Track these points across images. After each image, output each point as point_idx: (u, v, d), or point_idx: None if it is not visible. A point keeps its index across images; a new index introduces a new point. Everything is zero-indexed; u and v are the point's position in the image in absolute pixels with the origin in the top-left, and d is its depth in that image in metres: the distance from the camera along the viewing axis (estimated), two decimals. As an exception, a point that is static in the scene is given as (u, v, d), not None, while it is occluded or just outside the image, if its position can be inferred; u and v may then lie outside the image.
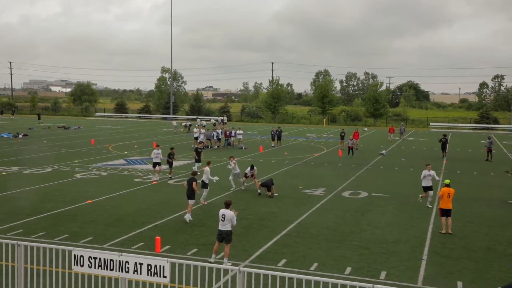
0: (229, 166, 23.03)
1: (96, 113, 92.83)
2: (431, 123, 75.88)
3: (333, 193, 21.99)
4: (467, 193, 22.32)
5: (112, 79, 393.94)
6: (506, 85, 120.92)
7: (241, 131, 43.11)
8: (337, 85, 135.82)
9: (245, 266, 12.35)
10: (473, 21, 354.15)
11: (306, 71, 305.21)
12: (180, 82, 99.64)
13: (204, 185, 19.29)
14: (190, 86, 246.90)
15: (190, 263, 8.61)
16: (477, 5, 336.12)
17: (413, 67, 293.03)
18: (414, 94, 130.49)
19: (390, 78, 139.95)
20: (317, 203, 19.89)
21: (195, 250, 13.75)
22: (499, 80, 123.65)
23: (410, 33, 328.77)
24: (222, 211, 12.66)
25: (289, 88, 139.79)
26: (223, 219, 12.54)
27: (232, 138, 42.18)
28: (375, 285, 7.72)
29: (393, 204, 19.85)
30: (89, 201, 19.62)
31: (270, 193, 21.15)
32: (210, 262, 11.74)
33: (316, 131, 63.15)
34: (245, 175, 22.81)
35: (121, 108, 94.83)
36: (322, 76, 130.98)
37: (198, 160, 27.18)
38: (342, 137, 41.02)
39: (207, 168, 19.74)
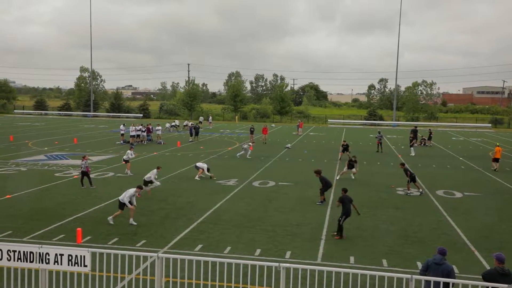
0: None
1: (14, 110, 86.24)
2: (329, 120, 79.11)
3: (244, 183, 22.23)
4: (359, 179, 23.59)
5: (31, 77, 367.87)
6: (390, 88, 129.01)
7: (159, 127, 42.25)
8: (248, 86, 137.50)
9: (164, 253, 12.15)
10: (359, 38, 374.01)
11: (219, 72, 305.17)
12: (99, 81, 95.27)
13: (146, 183, 19.27)
14: (110, 84, 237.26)
15: (111, 252, 8.32)
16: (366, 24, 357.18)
17: (314, 71, 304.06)
18: (315, 94, 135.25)
19: (294, 79, 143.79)
20: (230, 192, 20.01)
21: (115, 239, 13.29)
22: (384, 83, 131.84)
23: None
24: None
25: (204, 87, 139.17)
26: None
27: (152, 134, 41.23)
28: (281, 264, 7.95)
29: (297, 192, 20.48)
30: (8, 196, 18.23)
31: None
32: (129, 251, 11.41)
33: (229, 127, 63.40)
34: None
35: (40, 105, 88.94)
36: (234, 77, 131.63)
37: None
38: (252, 132, 41.58)
39: (154, 171, 19.73)
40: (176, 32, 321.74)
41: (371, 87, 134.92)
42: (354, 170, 24.08)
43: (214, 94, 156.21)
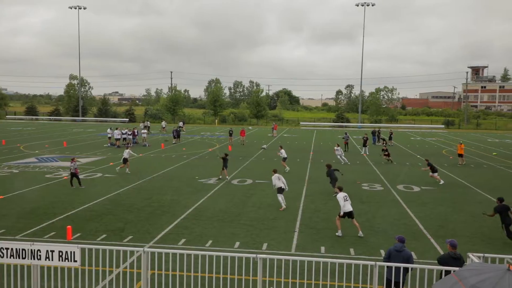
0: (278, 153, 26.62)
1: (6, 116, 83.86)
2: (301, 122, 79.60)
3: (224, 181, 22.13)
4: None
5: (22, 85, 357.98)
6: (355, 93, 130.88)
7: (145, 131, 41.78)
8: (227, 91, 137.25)
9: (149, 247, 12.01)
10: (325, 47, 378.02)
11: (200, 79, 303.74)
12: (87, 88, 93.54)
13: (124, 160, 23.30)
14: (98, 91, 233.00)
15: (99, 248, 8.17)
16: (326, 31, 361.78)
17: (287, 77, 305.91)
18: (288, 99, 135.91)
19: (268, 86, 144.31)
20: (211, 190, 19.90)
21: (104, 236, 13.05)
22: (350, 89, 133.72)
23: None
24: None
25: (186, 93, 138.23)
26: None
27: (137, 137, 40.72)
28: (258, 255, 7.94)
29: (272, 189, 20.49)
30: (0, 197, 17.71)
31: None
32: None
33: (209, 129, 63.12)
34: None
35: (31, 111, 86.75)
36: (214, 83, 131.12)
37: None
38: (231, 134, 41.49)
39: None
40: (159, 42, 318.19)
41: (339, 92, 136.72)
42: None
43: (195, 99, 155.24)
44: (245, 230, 13.80)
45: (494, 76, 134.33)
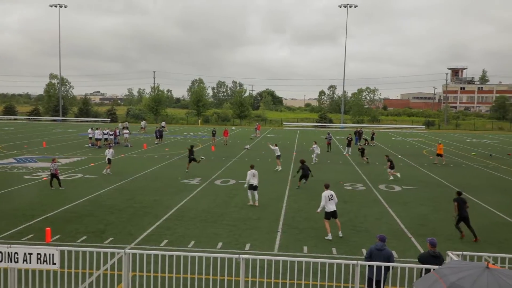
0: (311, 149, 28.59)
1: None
2: (284, 123, 79.85)
3: (207, 181, 22.04)
4: (311, 177, 23.92)
5: (0, 84, 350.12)
6: (338, 93, 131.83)
7: (127, 131, 41.33)
8: (210, 91, 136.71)
9: (131, 249, 11.86)
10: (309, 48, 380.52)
11: (183, 79, 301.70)
12: (68, 87, 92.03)
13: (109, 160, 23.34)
14: (79, 91, 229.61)
15: (79, 249, 8.03)
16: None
17: (270, 78, 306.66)
18: (271, 99, 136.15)
19: (252, 86, 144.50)
20: (194, 190, 19.79)
21: (84, 237, 12.84)
22: (333, 89, 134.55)
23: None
24: None
25: (169, 93, 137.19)
26: None
27: (119, 137, 40.28)
28: (241, 255, 7.92)
29: (245, 184, 20.44)
30: (-24, 199, 17.26)
31: None
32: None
33: (192, 130, 62.82)
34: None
35: (10, 111, 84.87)
36: (197, 83, 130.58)
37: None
38: (214, 134, 41.35)
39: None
40: (141, 41, 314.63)
41: (322, 93, 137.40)
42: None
43: (178, 99, 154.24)
44: (228, 231, 13.76)
45: (473, 77, 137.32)
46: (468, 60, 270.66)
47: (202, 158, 26.29)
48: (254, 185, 17.08)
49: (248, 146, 38.73)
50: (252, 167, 17.80)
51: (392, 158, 25.44)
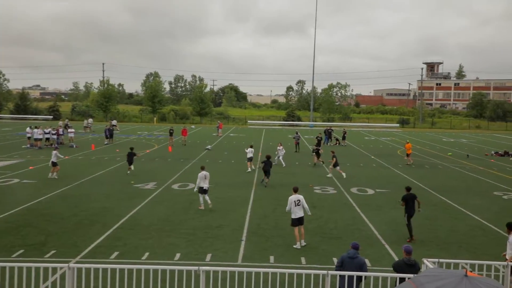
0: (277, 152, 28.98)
1: None
2: (248, 121, 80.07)
3: (163, 186, 21.79)
4: (278, 180, 24.11)
5: None
6: (307, 89, 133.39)
7: (72, 130, 40.25)
8: (166, 86, 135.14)
9: (76, 263, 11.52)
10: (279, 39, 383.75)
11: (136, 72, 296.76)
12: (2, 80, 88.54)
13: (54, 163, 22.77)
14: (15, 84, 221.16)
15: (15, 265, 7.72)
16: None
17: (234, 72, 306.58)
18: (235, 95, 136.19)
19: (213, 80, 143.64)
20: (148, 196, 19.51)
21: (21, 251, 12.37)
22: (301, 85, 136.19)
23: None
24: None
25: (120, 88, 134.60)
26: None
27: (62, 137, 39.14)
28: (200, 267, 7.87)
29: (218, 193, 20.43)
30: None
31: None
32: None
33: (147, 129, 61.93)
34: None
35: None
36: (152, 77, 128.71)
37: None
38: (171, 134, 40.92)
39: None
40: (88, 29, 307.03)
41: (290, 88, 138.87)
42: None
43: (131, 95, 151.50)
44: (187, 240, 13.65)
45: (449, 72, 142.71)
46: (444, 55, 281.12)
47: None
48: (204, 188, 17.43)
49: (209, 147, 38.59)
50: (202, 168, 18.07)
51: (337, 155, 26.27)
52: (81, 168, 26.43)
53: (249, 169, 26.83)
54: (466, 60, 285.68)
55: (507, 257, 10.08)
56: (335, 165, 25.41)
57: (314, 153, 30.67)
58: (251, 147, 28.11)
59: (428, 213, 17.82)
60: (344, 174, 25.21)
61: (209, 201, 17.43)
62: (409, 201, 14.42)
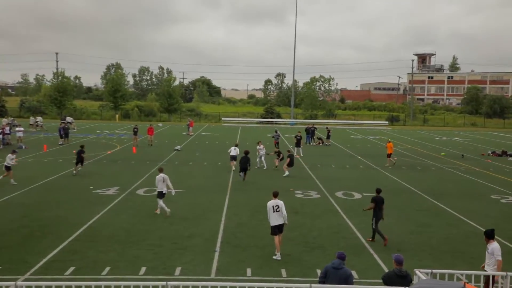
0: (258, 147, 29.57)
1: None
2: (223, 118, 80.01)
3: (127, 191, 21.59)
4: (255, 184, 24.13)
5: None
6: (287, 83, 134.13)
7: (21, 128, 39.49)
8: (130, 79, 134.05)
9: (25, 280, 11.29)
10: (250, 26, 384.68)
11: (95, 63, 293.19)
12: None
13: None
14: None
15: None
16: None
17: (206, 63, 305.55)
18: (207, 89, 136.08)
19: (183, 73, 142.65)
20: (110, 203, 19.30)
21: (-38, 267, 12.05)
22: (281, 78, 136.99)
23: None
24: None
25: (77, 81, 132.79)
26: None
27: (9, 136, 38.35)
28: (169, 282, 7.81)
29: (188, 199, 20.36)
30: None
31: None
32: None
33: (108, 127, 61.24)
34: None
35: None
36: (113, 69, 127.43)
37: None
38: (135, 133, 40.58)
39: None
40: (39, 14, 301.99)
41: (268, 82, 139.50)
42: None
43: (89, 88, 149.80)
44: (153, 252, 13.55)
45: (442, 65, 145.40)
46: (437, 45, 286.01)
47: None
48: (163, 192, 17.75)
49: (178, 147, 38.42)
50: (160, 170, 18.29)
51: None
52: (32, 172, 25.96)
53: (234, 168, 27.48)
54: (460, 51, 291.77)
55: (485, 268, 10.28)
56: (290, 164, 26.67)
57: (276, 154, 30.18)
58: (237, 146, 28.54)
59: (420, 219, 18.11)
60: (287, 172, 26.58)
61: (159, 206, 17.67)
62: (378, 204, 15.04)
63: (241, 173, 24.83)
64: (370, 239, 15.05)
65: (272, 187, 22.18)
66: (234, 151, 27.84)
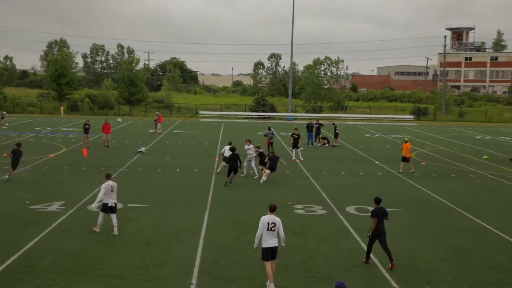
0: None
1: None
2: (201, 112, 79.89)
3: (75, 207, 21.51)
4: (243, 196, 24.08)
5: None
6: (283, 66, 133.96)
7: None
8: (80, 61, 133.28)
9: None
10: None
11: (33, 40, 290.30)
12: None
13: None
14: None
15: None
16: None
17: (179, 41, 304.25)
18: (180, 74, 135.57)
19: (149, 53, 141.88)
20: (52, 222, 19.19)
21: None
22: (276, 60, 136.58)
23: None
24: None
25: (8, 62, 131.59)
26: None
27: None
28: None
29: (155, 217, 20.26)
30: None
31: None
32: None
33: (50, 123, 60.95)
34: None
35: None
36: (57, 48, 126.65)
37: None
38: (87, 131, 40.37)
39: None
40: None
41: (259, 65, 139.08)
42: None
43: (25, 72, 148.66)
44: (110, 286, 13.53)
45: (483, 42, 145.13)
46: (476, 18, 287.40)
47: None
48: (109, 205, 17.84)
49: (143, 149, 38.30)
50: (108, 177, 18.47)
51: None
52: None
53: (219, 170, 29.63)
54: (506, 25, 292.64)
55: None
56: (271, 168, 27.81)
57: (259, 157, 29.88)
58: (230, 144, 28.66)
59: (456, 241, 18.14)
60: (264, 178, 27.59)
61: (115, 224, 17.82)
62: (379, 217, 15.45)
63: (229, 176, 26.30)
64: (391, 266, 15.22)
65: (264, 200, 22.13)
66: (228, 151, 27.90)
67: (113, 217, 17.86)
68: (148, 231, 18.43)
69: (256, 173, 29.28)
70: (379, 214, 15.43)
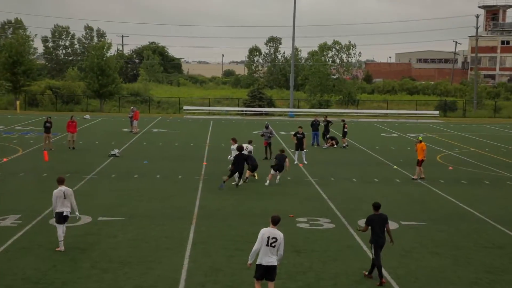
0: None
1: None
2: (185, 107, 79.75)
3: (34, 221, 21.52)
4: (235, 206, 24.09)
5: None
6: (284, 53, 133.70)
7: None
8: (39, 46, 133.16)
9: None
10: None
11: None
12: None
13: None
14: None
15: None
16: None
17: (157, 22, 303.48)
18: (161, 62, 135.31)
19: (122, 36, 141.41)
20: (7, 240, 19.18)
21: None
22: (275, 45, 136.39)
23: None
24: None
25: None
26: None
27: None
28: None
29: (131, 232, 20.28)
30: None
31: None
32: None
33: (4, 120, 60.84)
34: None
35: None
36: (11, 30, 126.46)
37: None
38: (48, 130, 40.32)
39: None
40: None
41: (255, 51, 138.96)
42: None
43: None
44: (77, 315, 13.50)
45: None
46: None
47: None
48: (64, 214, 17.96)
49: (116, 152, 38.23)
50: (60, 182, 18.57)
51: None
52: None
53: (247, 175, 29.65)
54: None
55: None
56: (253, 170, 29.29)
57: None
58: (250, 143, 30.24)
59: (490, 260, 18.18)
60: (268, 181, 28.70)
61: (61, 238, 17.96)
62: (376, 226, 15.79)
63: (238, 177, 27.88)
64: (366, 273, 15.89)
65: (261, 213, 22.20)
66: (235, 151, 28.63)
67: (63, 228, 18.01)
68: (122, 249, 18.42)
69: (256, 177, 29.43)
70: (376, 221, 15.78)
